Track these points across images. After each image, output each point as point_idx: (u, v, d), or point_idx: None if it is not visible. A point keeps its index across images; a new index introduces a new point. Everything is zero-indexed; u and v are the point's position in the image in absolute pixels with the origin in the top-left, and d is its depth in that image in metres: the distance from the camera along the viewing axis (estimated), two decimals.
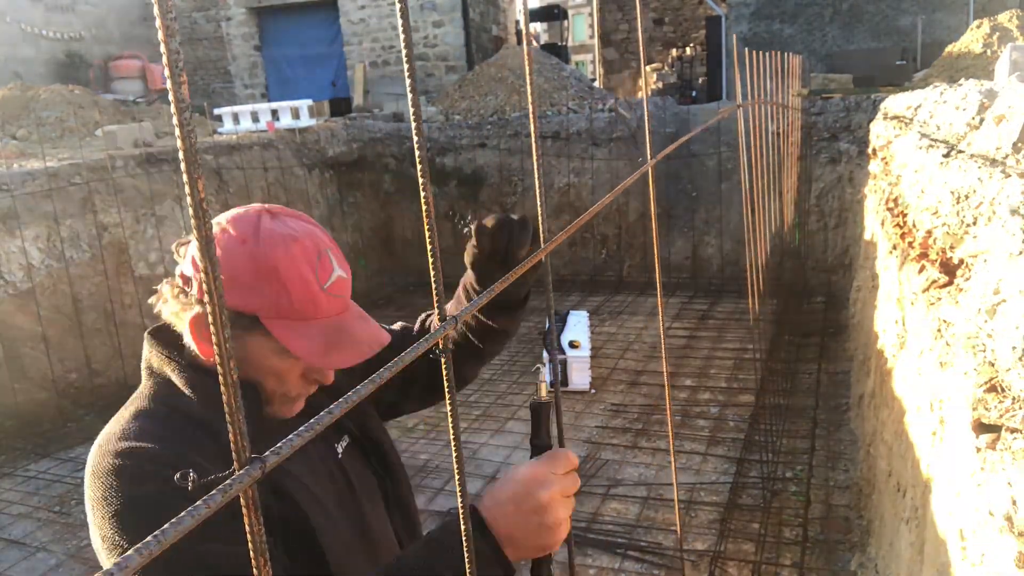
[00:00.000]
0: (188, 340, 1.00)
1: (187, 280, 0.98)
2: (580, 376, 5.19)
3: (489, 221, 1.23)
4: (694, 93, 15.17)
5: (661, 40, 17.71)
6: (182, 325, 0.99)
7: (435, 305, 0.61)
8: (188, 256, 0.99)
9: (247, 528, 0.41)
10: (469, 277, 1.30)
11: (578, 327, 5.46)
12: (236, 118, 8.35)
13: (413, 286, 8.16)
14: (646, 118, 1.27)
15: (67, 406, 5.44)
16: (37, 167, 5.84)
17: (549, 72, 10.63)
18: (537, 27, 24.90)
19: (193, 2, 13.96)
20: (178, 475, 0.43)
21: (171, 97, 0.37)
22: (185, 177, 0.37)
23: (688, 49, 16.72)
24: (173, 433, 0.96)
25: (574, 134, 7.96)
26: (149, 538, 0.34)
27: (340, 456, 1.15)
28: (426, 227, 0.59)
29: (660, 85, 15.71)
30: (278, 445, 0.42)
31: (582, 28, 27.53)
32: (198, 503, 0.37)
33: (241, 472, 0.40)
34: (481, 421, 4.86)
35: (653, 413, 4.76)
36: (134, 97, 12.23)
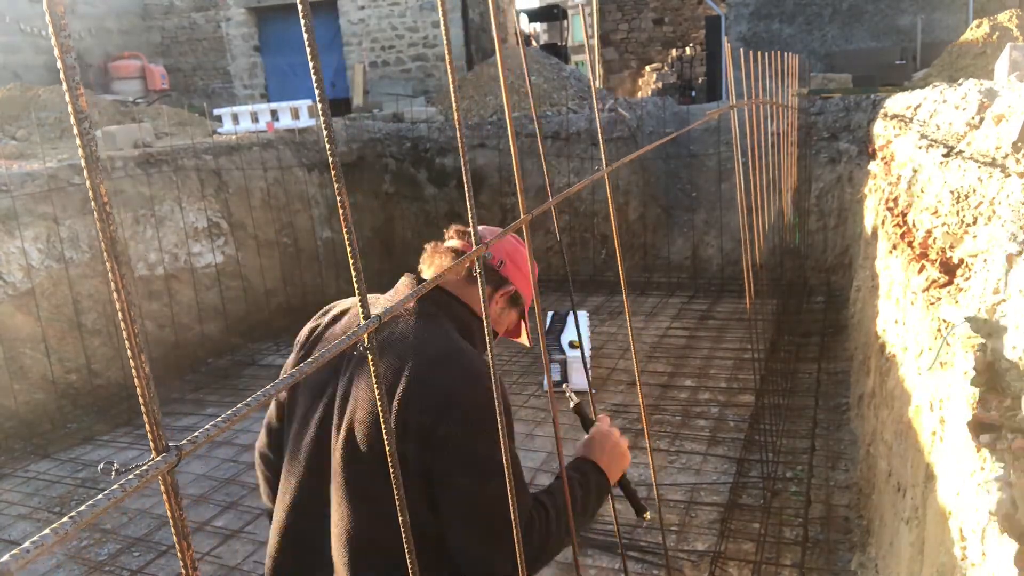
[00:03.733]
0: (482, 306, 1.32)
1: (499, 264, 1.52)
2: (580, 376, 5.19)
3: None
4: (693, 93, 15.18)
5: (661, 40, 17.71)
6: (478, 294, 1.42)
7: (359, 307, 0.63)
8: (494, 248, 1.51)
9: (168, 512, 0.43)
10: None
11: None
12: (235, 118, 8.35)
13: None
14: (597, 124, 1.27)
15: (67, 407, 5.44)
16: (37, 168, 5.84)
17: (549, 72, 10.63)
18: (537, 27, 24.91)
19: (193, 2, 13.96)
20: (102, 464, 0.47)
21: (70, 109, 0.38)
22: (88, 183, 0.38)
23: (688, 49, 16.71)
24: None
25: (574, 134, 7.96)
26: (66, 519, 0.35)
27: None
28: (344, 231, 0.59)
29: (660, 85, 15.70)
30: (194, 435, 0.45)
31: (581, 28, 27.52)
32: (114, 487, 0.38)
33: (158, 459, 0.41)
34: None
35: (653, 413, 4.76)
36: (133, 98, 12.23)
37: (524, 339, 1.67)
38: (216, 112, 8.75)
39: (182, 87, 14.32)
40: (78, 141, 0.39)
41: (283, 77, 13.79)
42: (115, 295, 0.41)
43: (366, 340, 0.63)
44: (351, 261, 0.62)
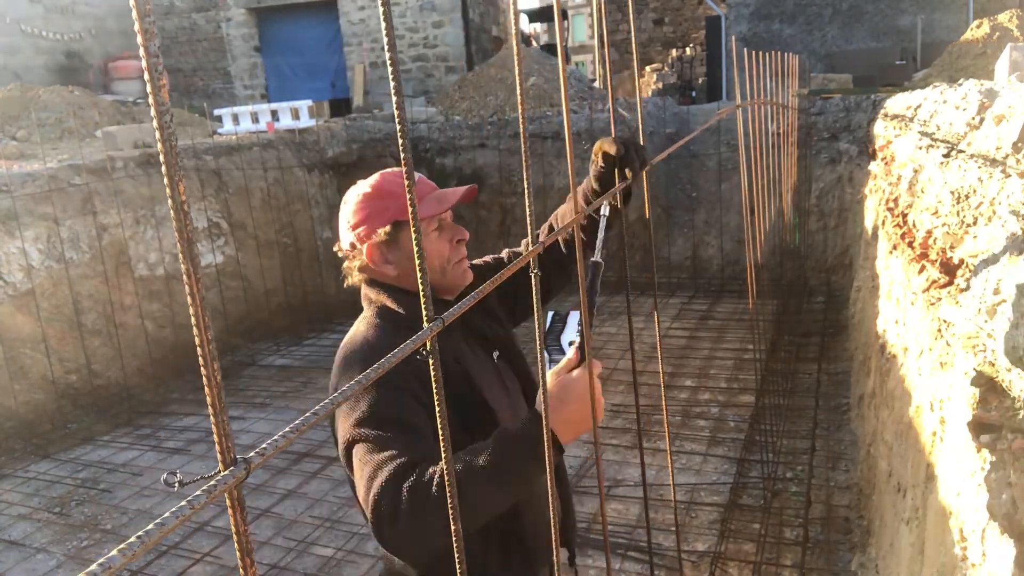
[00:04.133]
0: (383, 270, 1.47)
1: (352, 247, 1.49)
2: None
3: (611, 147, 1.52)
4: (694, 93, 15.18)
5: (661, 40, 17.71)
6: (390, 270, 1.47)
7: (422, 306, 0.63)
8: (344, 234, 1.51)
9: (233, 528, 0.42)
10: (588, 184, 1.63)
11: (579, 327, 5.45)
12: (236, 119, 8.35)
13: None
14: (640, 125, 1.27)
15: (67, 407, 5.44)
16: (37, 168, 5.84)
17: (549, 72, 10.62)
18: (537, 27, 24.92)
19: (193, 3, 13.96)
20: (165, 476, 0.46)
21: (151, 101, 0.37)
22: (167, 181, 0.37)
23: (688, 49, 16.71)
24: (388, 335, 1.41)
25: (574, 134, 7.96)
26: (133, 539, 0.34)
27: (496, 362, 1.58)
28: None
29: (660, 85, 15.70)
30: (263, 446, 0.43)
31: (582, 28, 27.54)
32: (182, 504, 0.37)
33: (226, 473, 0.40)
34: None
35: (653, 414, 4.76)
36: (134, 98, 12.23)
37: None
38: (216, 112, 8.75)
39: (182, 87, 14.32)
40: (157, 135, 0.38)
41: (283, 77, 13.78)
42: (189, 300, 0.40)
43: (428, 344, 0.63)
44: (417, 262, 0.62)
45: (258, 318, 7.17)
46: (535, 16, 22.07)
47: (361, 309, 1.53)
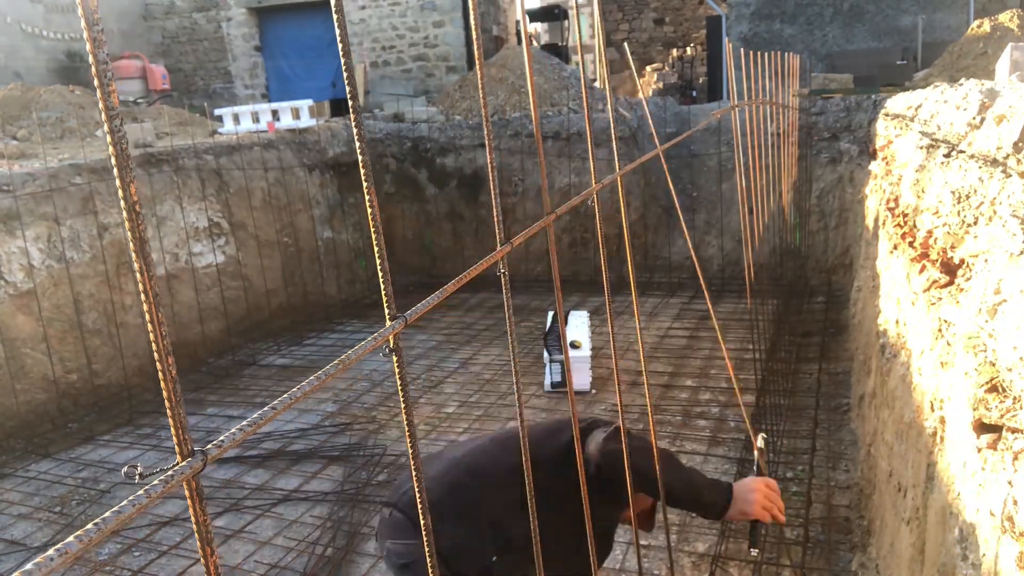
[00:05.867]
0: None
1: None
2: (580, 377, 5.19)
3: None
4: (694, 93, 15.18)
5: (662, 40, 17.72)
6: None
7: (384, 304, 0.64)
8: None
9: (192, 519, 0.42)
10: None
11: (579, 327, 5.46)
12: (236, 118, 8.35)
13: (413, 286, 8.17)
14: (653, 125, 1.27)
15: (68, 407, 5.44)
16: (38, 168, 5.84)
17: (549, 72, 10.62)
18: (538, 27, 24.90)
19: (194, 2, 13.96)
20: (126, 468, 0.46)
21: (101, 106, 0.38)
22: (119, 182, 0.38)
23: (689, 49, 16.71)
24: None
25: (575, 134, 7.96)
26: (90, 525, 0.35)
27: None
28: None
29: (661, 85, 15.71)
30: (221, 438, 0.44)
31: (585, 28, 27.51)
32: (139, 493, 0.38)
33: (183, 464, 0.40)
34: (482, 421, 4.86)
35: (653, 414, 4.76)
36: (134, 98, 12.24)
37: None
38: (217, 112, 8.75)
39: (183, 87, 14.32)
40: (109, 139, 0.38)
41: (284, 77, 13.79)
42: (142, 296, 0.41)
43: (391, 341, 0.64)
44: (378, 262, 0.62)
45: (258, 318, 7.17)
46: (535, 16, 22.05)
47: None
